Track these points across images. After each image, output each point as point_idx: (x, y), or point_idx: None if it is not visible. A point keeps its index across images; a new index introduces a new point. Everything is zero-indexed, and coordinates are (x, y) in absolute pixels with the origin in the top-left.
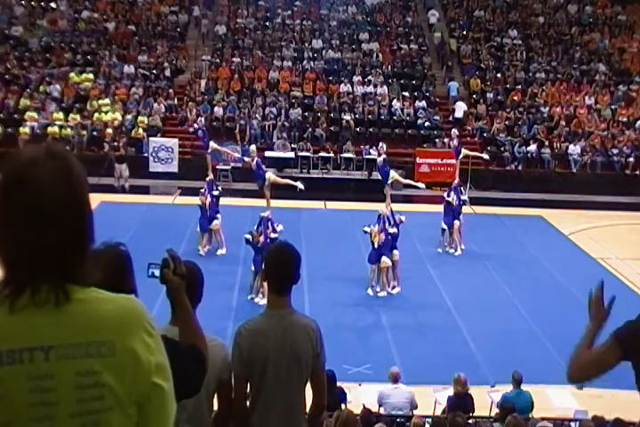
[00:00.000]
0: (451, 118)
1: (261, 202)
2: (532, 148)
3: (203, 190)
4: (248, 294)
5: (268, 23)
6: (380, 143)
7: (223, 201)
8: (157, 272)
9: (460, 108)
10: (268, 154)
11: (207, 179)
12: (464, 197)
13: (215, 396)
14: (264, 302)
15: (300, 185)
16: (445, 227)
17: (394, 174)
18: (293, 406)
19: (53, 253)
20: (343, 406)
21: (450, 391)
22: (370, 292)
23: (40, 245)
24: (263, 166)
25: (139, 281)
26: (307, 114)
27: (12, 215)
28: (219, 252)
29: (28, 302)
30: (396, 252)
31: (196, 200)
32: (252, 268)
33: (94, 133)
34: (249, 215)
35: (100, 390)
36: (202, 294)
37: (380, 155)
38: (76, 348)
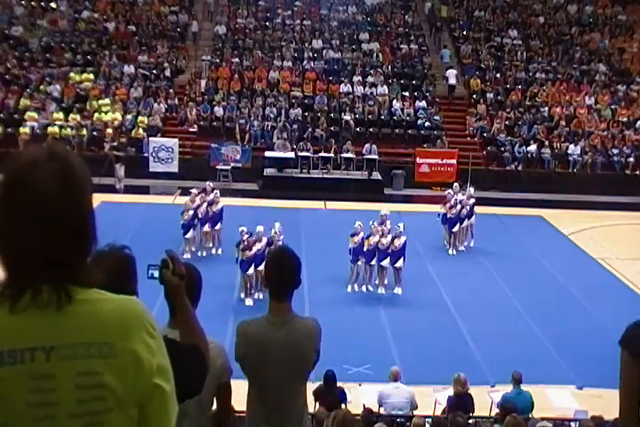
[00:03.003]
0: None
1: (261, 202)
2: (532, 148)
3: (194, 209)
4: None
5: (267, 23)
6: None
7: (222, 201)
8: (157, 273)
9: (452, 75)
10: (268, 154)
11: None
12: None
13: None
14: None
15: None
16: (445, 226)
17: None
18: (294, 406)
19: (54, 253)
20: (343, 406)
21: (450, 391)
22: (369, 288)
23: (40, 246)
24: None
25: (139, 282)
26: (307, 114)
27: (13, 216)
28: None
29: (30, 303)
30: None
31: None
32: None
33: (94, 133)
34: (248, 215)
35: (101, 390)
36: (199, 297)
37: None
38: (77, 348)
